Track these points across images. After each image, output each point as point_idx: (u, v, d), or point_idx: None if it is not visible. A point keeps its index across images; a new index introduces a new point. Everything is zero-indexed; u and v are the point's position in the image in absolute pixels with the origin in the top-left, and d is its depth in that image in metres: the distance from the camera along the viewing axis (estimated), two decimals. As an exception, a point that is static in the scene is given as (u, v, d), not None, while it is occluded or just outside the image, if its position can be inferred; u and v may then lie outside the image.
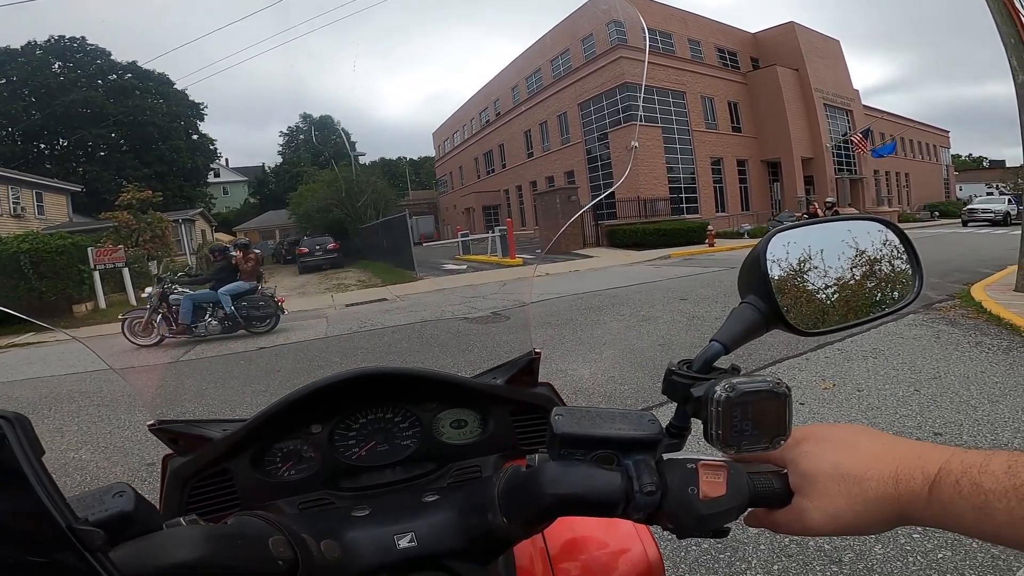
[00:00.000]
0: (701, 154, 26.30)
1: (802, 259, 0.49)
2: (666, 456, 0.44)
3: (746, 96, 28.38)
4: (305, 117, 51.30)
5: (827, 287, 0.50)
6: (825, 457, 0.41)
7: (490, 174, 37.56)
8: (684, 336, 5.44)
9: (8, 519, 0.27)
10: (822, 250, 0.50)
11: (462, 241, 20.83)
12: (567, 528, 0.67)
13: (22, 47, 32.56)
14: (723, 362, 0.46)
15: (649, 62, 22.04)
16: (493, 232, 18.02)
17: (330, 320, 8.41)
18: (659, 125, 24.42)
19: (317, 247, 21.67)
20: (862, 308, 0.51)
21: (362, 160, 39.03)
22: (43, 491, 0.27)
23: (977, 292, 6.25)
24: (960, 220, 24.55)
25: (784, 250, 0.49)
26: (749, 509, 0.43)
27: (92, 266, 11.27)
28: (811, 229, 0.51)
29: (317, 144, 47.16)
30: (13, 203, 20.21)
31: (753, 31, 30.55)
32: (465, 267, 15.95)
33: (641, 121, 23.79)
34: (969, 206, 25.32)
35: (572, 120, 27.85)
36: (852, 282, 0.51)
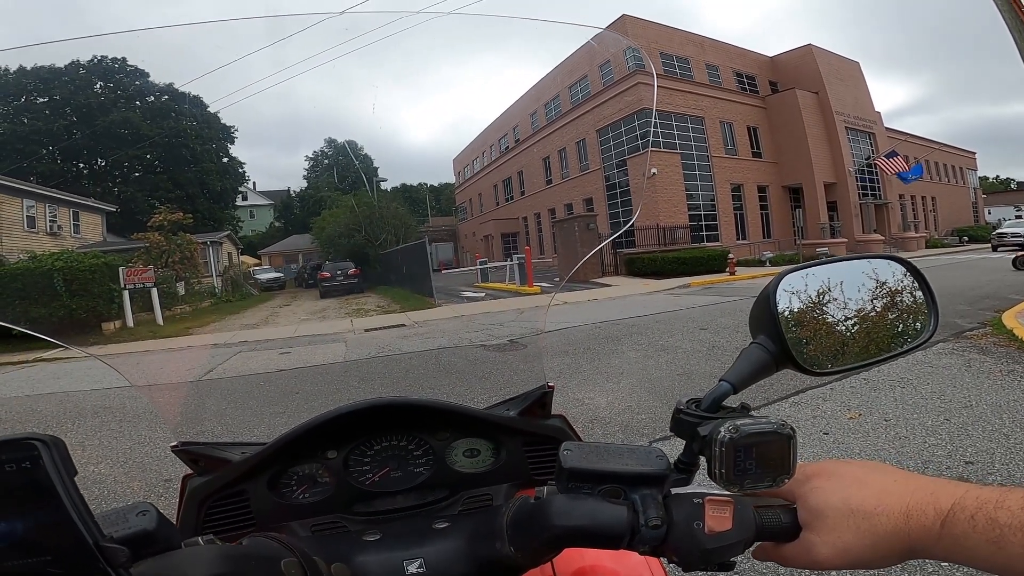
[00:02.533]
0: (721, 180, 26.20)
1: (813, 300, 0.50)
2: (674, 491, 0.45)
3: (766, 120, 28.28)
4: (330, 142, 52.79)
5: (838, 327, 0.50)
6: (835, 492, 0.41)
7: (509, 201, 37.95)
8: (704, 366, 5.35)
9: (39, 534, 0.29)
10: (833, 289, 0.50)
11: (480, 268, 20.97)
12: (577, 557, 0.66)
13: (66, 66, 33.86)
14: (733, 401, 0.47)
15: (667, 87, 22.31)
16: (511, 260, 18.11)
17: (349, 344, 8.48)
18: (678, 151, 24.47)
19: (339, 272, 21.99)
20: (874, 348, 0.51)
21: (384, 186, 39.85)
22: (73, 509, 0.29)
23: (1008, 319, 6.06)
24: (990, 245, 23.90)
25: (794, 290, 0.50)
26: (756, 543, 0.44)
27: (123, 285, 11.62)
28: (822, 268, 0.52)
29: (341, 169, 48.38)
30: (50, 221, 21.04)
31: (771, 55, 30.68)
32: (483, 295, 16.01)
33: (659, 147, 23.86)
34: (998, 230, 24.69)
35: (591, 146, 28.09)
36: (865, 322, 0.51)
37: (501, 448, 0.68)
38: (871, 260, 0.53)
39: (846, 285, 0.51)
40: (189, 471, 0.65)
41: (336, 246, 27.50)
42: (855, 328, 0.51)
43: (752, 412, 0.45)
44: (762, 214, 27.96)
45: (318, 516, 0.63)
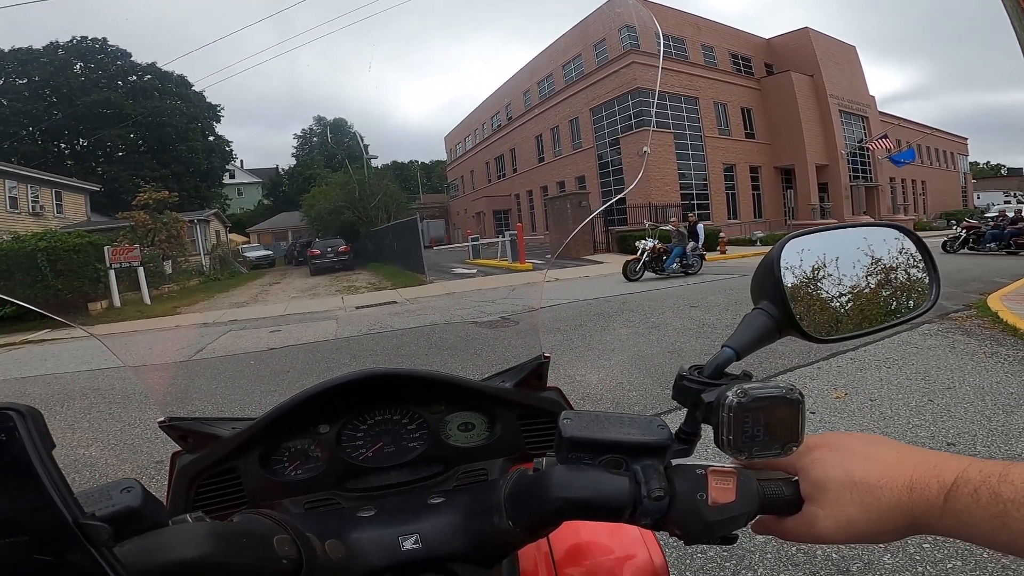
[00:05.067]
0: (714, 160, 26.17)
1: (816, 266, 0.49)
2: (675, 462, 0.44)
3: (760, 102, 28.18)
4: (319, 120, 51.89)
5: (842, 294, 0.49)
6: (838, 465, 0.40)
7: (501, 179, 37.67)
8: (694, 343, 5.40)
9: (14, 512, 0.27)
10: (837, 257, 0.49)
11: (472, 245, 20.89)
12: (572, 533, 0.66)
13: (44, 47, 33.19)
14: (735, 368, 0.46)
15: (665, 68, 22.00)
16: (503, 236, 18.05)
17: (340, 322, 8.45)
18: (671, 131, 24.36)
19: (329, 249, 21.84)
20: (877, 316, 0.50)
21: (374, 163, 39.43)
22: (51, 485, 0.28)
23: (994, 302, 6.15)
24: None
25: (798, 257, 0.48)
26: (758, 516, 0.43)
27: (108, 265, 11.45)
28: (826, 235, 0.51)
29: (330, 146, 47.63)
30: (32, 201, 20.60)
31: (767, 37, 30.41)
32: (475, 271, 15.98)
33: (654, 127, 23.71)
34: (987, 214, 25.01)
35: (584, 125, 27.86)
36: (867, 290, 0.50)
37: (496, 421, 0.67)
38: (875, 228, 0.52)
39: (850, 252, 0.50)
40: (178, 449, 0.63)
41: (326, 223, 27.26)
42: (858, 294, 0.50)
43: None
44: (754, 194, 28.03)
45: (311, 493, 0.62)
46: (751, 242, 21.14)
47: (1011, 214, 15.46)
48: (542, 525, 0.44)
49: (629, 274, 11.16)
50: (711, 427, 0.43)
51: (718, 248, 17.13)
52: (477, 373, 0.66)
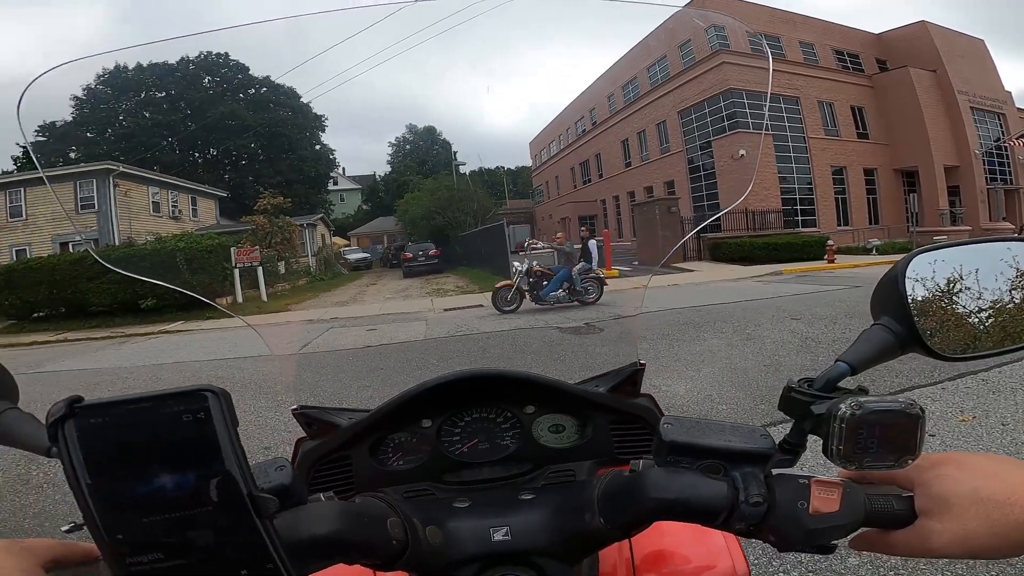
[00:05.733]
0: (820, 162, 24.18)
1: (951, 279, 0.46)
2: (776, 471, 0.44)
3: (874, 100, 25.69)
4: (411, 128, 54.58)
5: (981, 310, 0.46)
6: (964, 481, 0.40)
7: (586, 184, 37.37)
8: (794, 358, 5.03)
9: (203, 484, 0.31)
10: (976, 269, 0.46)
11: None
12: (655, 538, 0.66)
13: (177, 63, 37.42)
14: (849, 383, 0.45)
15: (754, 66, 20.81)
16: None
17: (429, 323, 8.82)
18: (770, 132, 22.87)
19: (420, 253, 22.81)
20: (1013, 336, 0.46)
21: (462, 169, 40.76)
22: (234, 459, 0.31)
23: None
24: None
25: (929, 269, 0.46)
26: (861, 529, 0.42)
27: (233, 264, 12.81)
28: (961, 250, 0.48)
29: (422, 154, 49.90)
30: (172, 206, 23.59)
31: (877, 32, 27.82)
32: (559, 276, 15.94)
33: (747, 128, 22.39)
34: None
35: (672, 128, 26.94)
36: (1011, 305, 0.46)
37: (587, 425, 0.69)
38: (1012, 243, 0.48)
39: (991, 264, 0.46)
40: (302, 435, 0.70)
41: (418, 228, 28.55)
42: (1000, 310, 0.46)
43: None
44: (869, 199, 25.51)
45: (410, 483, 0.66)
46: (866, 251, 19.03)
47: None
48: (634, 524, 0.45)
49: (500, 304, 9.11)
50: (819, 439, 0.43)
51: (825, 257, 15.78)
52: (561, 377, 0.69)
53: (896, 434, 0.40)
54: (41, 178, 21.41)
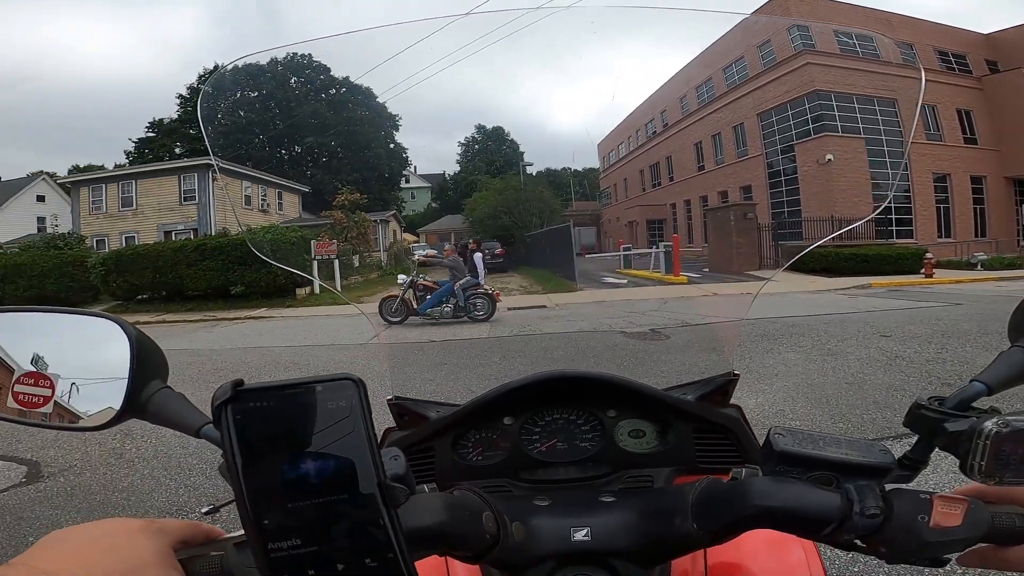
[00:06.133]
0: (919, 169, 22.18)
1: None
2: (891, 486, 0.43)
3: (983, 104, 23.31)
4: (480, 128, 55.36)
5: None
6: None
7: (656, 187, 36.32)
8: (881, 377, 4.67)
9: (342, 472, 0.32)
10: None
11: (624, 255, 20.49)
12: (731, 549, 0.64)
13: (267, 64, 40.22)
14: (982, 404, 0.44)
15: (845, 67, 19.47)
16: (657, 247, 17.40)
17: (493, 321, 8.94)
18: (861, 136, 21.27)
19: (486, 251, 23.15)
20: None
21: (529, 170, 40.89)
22: (369, 448, 0.32)
23: None
24: None
25: None
26: (979, 544, 0.42)
27: (313, 256, 13.59)
28: None
29: (490, 154, 50.57)
30: (262, 199, 25.39)
31: (985, 32, 25.20)
32: (626, 281, 15.63)
33: (836, 131, 20.94)
34: None
35: (751, 131, 25.68)
36: None
37: (668, 431, 0.68)
38: None
39: None
40: (392, 424, 0.73)
41: (485, 226, 28.96)
42: None
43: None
44: (976, 209, 23.13)
45: (487, 479, 0.67)
46: (970, 265, 17.16)
47: None
48: (730, 530, 0.45)
49: (385, 313, 8.72)
50: (952, 456, 0.42)
51: (922, 271, 14.46)
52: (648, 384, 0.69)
53: None
54: (150, 171, 23.69)
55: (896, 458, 0.44)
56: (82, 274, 15.93)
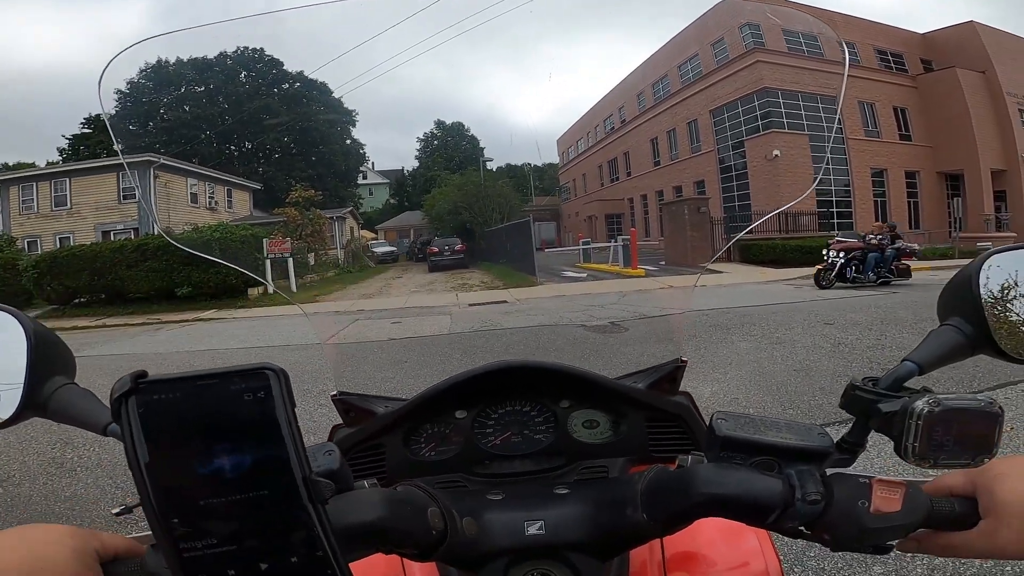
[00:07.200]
0: (859, 164, 23.46)
1: (1021, 283, 0.44)
2: (832, 470, 0.43)
3: (918, 101, 24.84)
4: (439, 124, 54.85)
5: None
6: None
7: (614, 182, 37.02)
8: (826, 363, 4.90)
9: (261, 466, 0.30)
10: None
11: (583, 249, 20.77)
12: (687, 538, 0.64)
13: (215, 57, 38.31)
14: (914, 383, 0.44)
15: (791, 65, 20.32)
16: (615, 241, 17.72)
17: (454, 317, 8.88)
18: (806, 133, 22.29)
19: (446, 247, 22.99)
20: None
21: (489, 166, 40.84)
22: (291, 441, 0.30)
23: None
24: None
25: (1003, 272, 0.45)
26: (920, 530, 0.41)
27: (266, 255, 13.12)
28: None
29: (450, 149, 50.20)
30: (209, 197, 24.31)
31: (922, 32, 26.83)
32: (585, 275, 15.88)
33: (782, 128, 21.83)
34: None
35: (703, 127, 26.48)
36: None
37: (622, 421, 0.68)
38: None
39: None
40: (335, 423, 0.70)
41: (444, 222, 28.75)
42: None
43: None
44: (910, 202, 24.66)
45: (441, 474, 0.66)
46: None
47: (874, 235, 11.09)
48: (679, 519, 0.45)
49: None
50: (887, 437, 0.42)
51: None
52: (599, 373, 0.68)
53: (973, 432, 0.40)
54: (85, 168, 22.28)
55: (835, 441, 0.44)
56: (13, 277, 14.87)
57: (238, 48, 39.06)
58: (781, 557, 0.67)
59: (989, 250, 0.46)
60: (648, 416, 0.68)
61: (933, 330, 0.47)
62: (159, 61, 35.92)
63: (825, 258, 10.77)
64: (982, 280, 0.45)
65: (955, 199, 24.41)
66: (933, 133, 24.68)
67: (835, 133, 23.13)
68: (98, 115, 37.29)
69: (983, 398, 0.41)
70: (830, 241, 11.25)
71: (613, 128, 37.03)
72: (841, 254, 10.64)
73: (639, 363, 0.70)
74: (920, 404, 0.40)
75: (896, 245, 10.87)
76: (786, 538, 0.45)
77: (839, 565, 1.92)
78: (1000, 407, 0.40)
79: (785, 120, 21.98)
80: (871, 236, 10.96)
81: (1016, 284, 0.45)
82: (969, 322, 0.45)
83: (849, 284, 10.44)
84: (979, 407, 0.40)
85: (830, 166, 22.97)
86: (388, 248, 33.67)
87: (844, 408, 0.45)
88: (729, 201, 24.24)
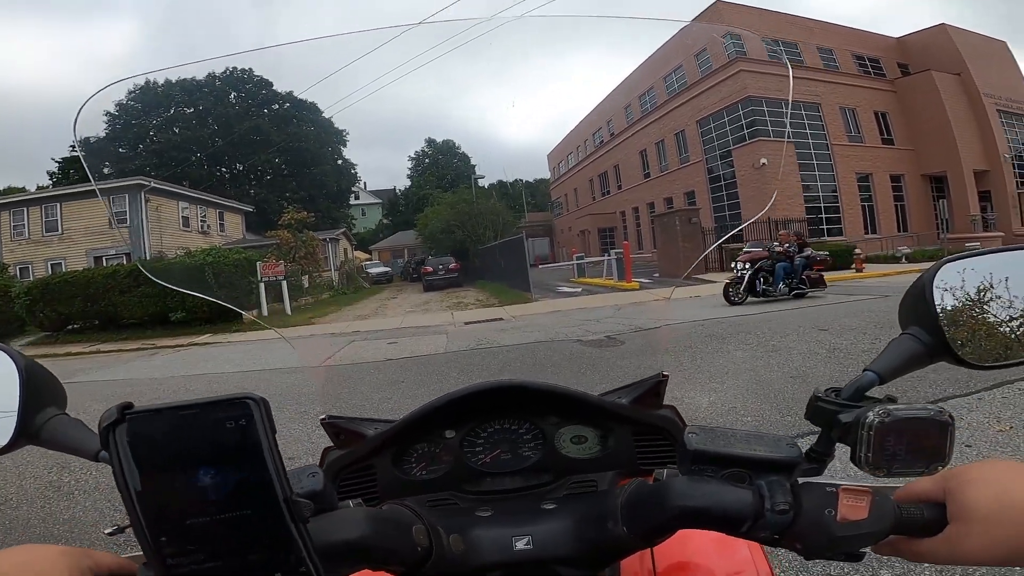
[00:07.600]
0: (844, 170, 23.76)
1: (982, 287, 0.46)
2: (803, 480, 0.44)
3: (898, 105, 25.26)
4: (430, 142, 55.18)
5: (1013, 318, 0.46)
6: (995, 488, 0.40)
7: (605, 195, 37.29)
8: (822, 368, 4.92)
9: (244, 489, 0.33)
10: (1007, 277, 0.46)
11: (577, 264, 20.85)
12: (678, 548, 0.66)
13: (204, 78, 38.02)
14: (877, 392, 0.45)
15: (774, 73, 20.63)
16: (609, 255, 17.82)
17: (450, 336, 8.86)
18: (791, 140, 22.60)
19: (440, 267, 22.97)
20: None
21: (481, 182, 41.08)
22: (273, 465, 0.33)
23: None
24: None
25: (959, 278, 0.46)
26: (890, 536, 0.42)
27: (259, 278, 13.08)
28: (990, 258, 0.48)
29: (441, 168, 50.46)
30: (201, 221, 24.25)
31: (897, 36, 27.46)
32: (580, 290, 15.92)
33: (768, 136, 22.14)
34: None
35: (691, 138, 26.79)
36: None
37: (609, 436, 0.69)
38: None
39: (1013, 277, 0.46)
40: (327, 445, 0.71)
41: (438, 241, 28.77)
42: (1023, 322, 0.46)
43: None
44: (896, 205, 24.95)
45: (432, 492, 0.67)
46: (895, 259, 18.51)
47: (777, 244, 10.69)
48: (657, 532, 0.46)
49: None
50: (848, 448, 0.43)
51: (853, 266, 15.41)
52: (583, 390, 0.70)
53: (925, 441, 0.41)
54: (76, 193, 22.22)
55: (803, 452, 0.45)
56: (6, 305, 14.77)
57: (227, 68, 39.16)
58: (773, 566, 0.68)
59: (943, 258, 0.48)
60: (634, 430, 0.69)
61: (893, 339, 0.48)
62: (148, 83, 36.01)
63: (734, 270, 10.26)
64: (937, 288, 0.46)
65: (941, 201, 24.77)
66: (915, 136, 25.06)
67: (813, 140, 23.44)
68: (87, 138, 37.27)
69: (933, 408, 0.41)
70: (738, 254, 10.69)
71: (602, 142, 37.42)
72: (747, 265, 10.14)
73: (636, 376, 0.73)
74: (871, 415, 0.41)
75: (805, 253, 10.39)
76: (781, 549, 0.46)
77: (843, 567, 1.91)
78: (951, 415, 0.41)
79: (770, 128, 22.29)
80: (775, 245, 10.47)
81: (969, 292, 0.46)
82: (926, 331, 0.46)
83: (761, 298, 9.97)
84: (929, 416, 0.41)
85: (816, 172, 23.34)
86: (382, 268, 33.58)
87: (808, 419, 0.46)
88: (720, 211, 24.46)
